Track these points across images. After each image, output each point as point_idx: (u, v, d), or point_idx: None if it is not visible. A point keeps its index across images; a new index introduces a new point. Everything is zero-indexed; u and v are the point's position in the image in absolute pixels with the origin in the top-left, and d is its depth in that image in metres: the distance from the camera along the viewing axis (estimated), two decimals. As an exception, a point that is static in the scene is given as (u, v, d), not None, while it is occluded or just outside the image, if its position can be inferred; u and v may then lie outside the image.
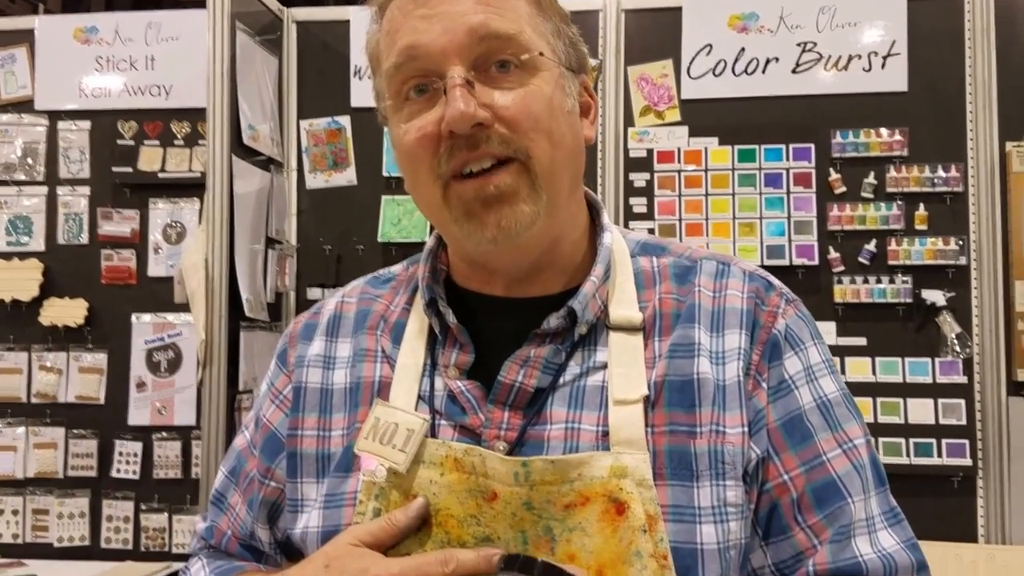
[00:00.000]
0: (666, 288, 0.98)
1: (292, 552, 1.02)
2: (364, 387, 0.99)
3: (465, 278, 1.01)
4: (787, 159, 2.87)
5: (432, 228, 1.04)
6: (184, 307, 2.79)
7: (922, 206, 2.80)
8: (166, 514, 2.93)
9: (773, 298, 0.98)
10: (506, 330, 0.95)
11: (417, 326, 1.00)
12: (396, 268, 1.11)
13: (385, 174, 3.04)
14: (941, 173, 2.79)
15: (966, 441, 2.71)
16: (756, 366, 0.94)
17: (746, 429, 0.91)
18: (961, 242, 2.76)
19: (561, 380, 0.93)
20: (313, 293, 3.06)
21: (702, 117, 2.92)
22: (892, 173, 2.81)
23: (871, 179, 2.82)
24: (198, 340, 2.69)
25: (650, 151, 2.92)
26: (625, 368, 0.92)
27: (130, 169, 3.02)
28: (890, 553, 0.91)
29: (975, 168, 2.78)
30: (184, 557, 2.38)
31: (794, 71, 2.89)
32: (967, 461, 2.69)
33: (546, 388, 0.93)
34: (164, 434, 2.95)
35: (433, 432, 0.94)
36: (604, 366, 0.93)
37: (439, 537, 0.89)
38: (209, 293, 2.68)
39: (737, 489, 0.89)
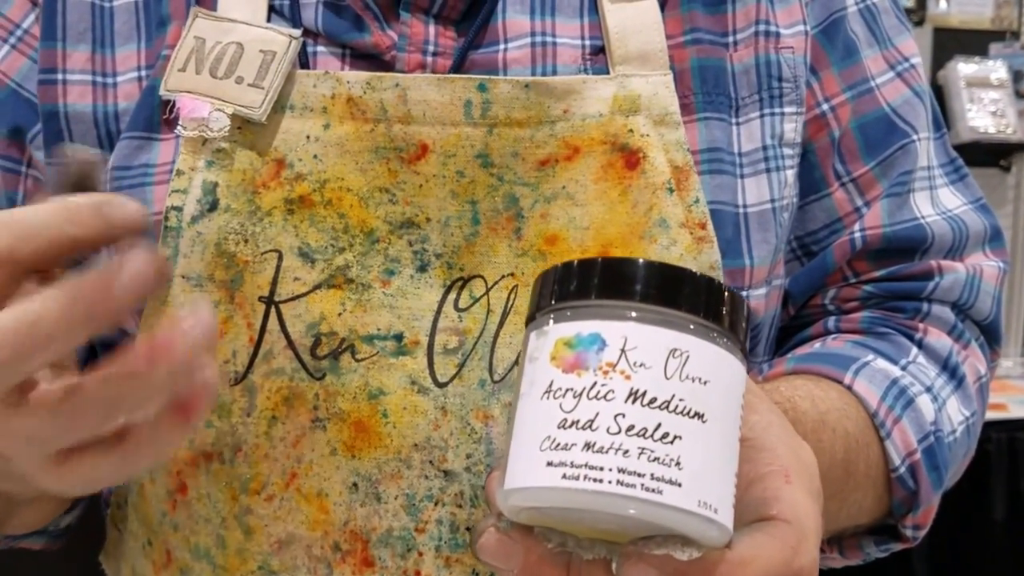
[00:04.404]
0: None
1: None
2: None
3: None
4: None
5: None
6: None
7: None
8: None
9: None
10: None
11: None
12: None
13: None
14: None
15: None
16: None
17: (809, 28, 0.63)
18: None
19: None
20: None
21: None
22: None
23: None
24: None
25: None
26: None
27: None
28: (957, 215, 0.67)
29: None
30: None
31: None
32: None
33: None
34: None
35: (304, 62, 0.58)
36: None
37: (328, 224, 0.56)
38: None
39: (798, 120, 0.63)
